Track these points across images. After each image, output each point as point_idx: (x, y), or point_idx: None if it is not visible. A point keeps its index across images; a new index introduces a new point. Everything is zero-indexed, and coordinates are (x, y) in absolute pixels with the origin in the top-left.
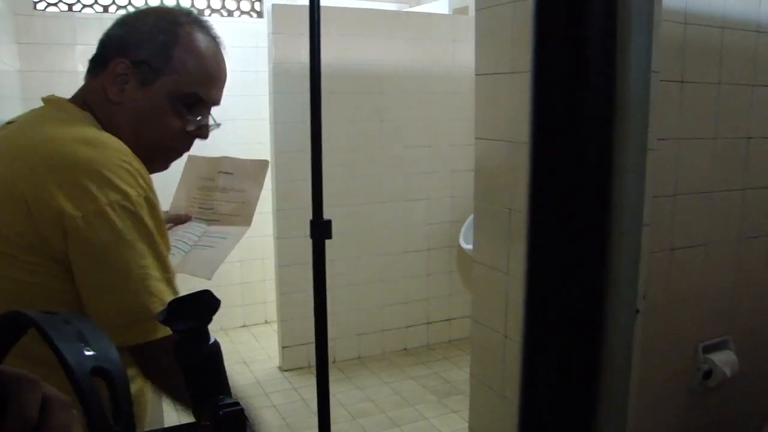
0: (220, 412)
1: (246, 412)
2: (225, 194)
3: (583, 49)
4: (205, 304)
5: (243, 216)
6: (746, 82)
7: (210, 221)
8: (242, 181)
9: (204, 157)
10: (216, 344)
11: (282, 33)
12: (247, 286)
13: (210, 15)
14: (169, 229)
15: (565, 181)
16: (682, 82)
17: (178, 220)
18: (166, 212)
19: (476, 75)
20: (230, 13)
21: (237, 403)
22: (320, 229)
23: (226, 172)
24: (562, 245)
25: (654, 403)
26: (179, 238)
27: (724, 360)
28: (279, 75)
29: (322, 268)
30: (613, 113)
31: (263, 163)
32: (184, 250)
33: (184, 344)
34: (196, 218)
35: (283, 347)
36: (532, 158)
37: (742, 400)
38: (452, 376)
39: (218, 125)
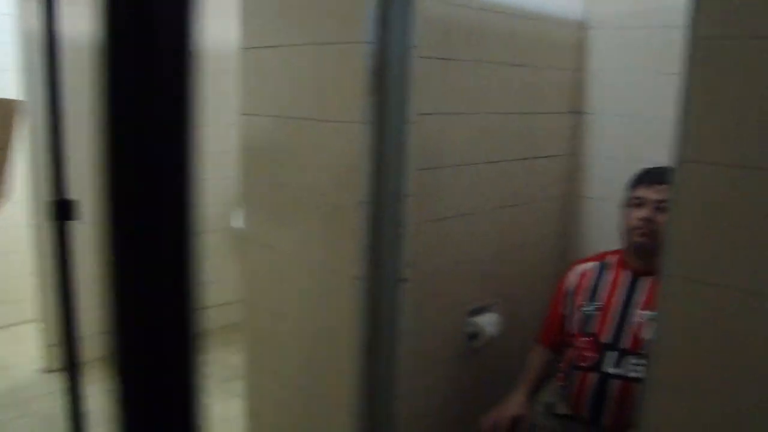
0: None
1: None
2: None
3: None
4: None
5: None
6: (503, 61)
7: None
8: None
9: None
10: None
11: None
12: (3, 283)
13: None
14: None
15: (138, 171)
16: (444, 59)
17: None
18: None
19: (241, 49)
20: None
21: None
22: (61, 210)
23: None
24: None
25: (425, 364)
26: None
27: (488, 322)
28: (31, 47)
29: (66, 255)
30: (188, 108)
31: (10, 105)
32: None
33: None
34: None
35: (48, 346)
36: (105, 149)
37: (504, 357)
38: (233, 360)
39: None
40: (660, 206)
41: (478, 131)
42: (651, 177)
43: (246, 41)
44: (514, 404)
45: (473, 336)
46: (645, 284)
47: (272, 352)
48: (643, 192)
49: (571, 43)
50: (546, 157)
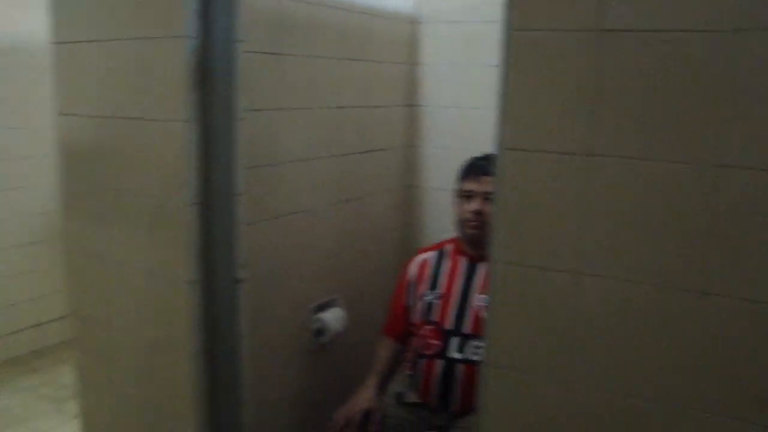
0: None
1: None
2: None
3: None
4: None
5: None
6: (336, 56)
7: None
8: None
9: None
10: None
11: None
12: None
13: None
14: None
15: None
16: (274, 54)
17: None
18: None
19: (53, 44)
20: None
21: None
22: None
23: None
24: None
25: (271, 365)
26: None
27: (334, 317)
28: None
29: None
30: None
31: None
32: None
33: None
34: None
35: None
36: None
37: (353, 351)
38: (70, 379)
39: None
40: (488, 197)
41: (313, 126)
42: (477, 169)
43: (58, 35)
44: (364, 398)
45: (320, 332)
46: (481, 269)
47: (106, 367)
48: (471, 185)
49: (404, 38)
50: (383, 149)
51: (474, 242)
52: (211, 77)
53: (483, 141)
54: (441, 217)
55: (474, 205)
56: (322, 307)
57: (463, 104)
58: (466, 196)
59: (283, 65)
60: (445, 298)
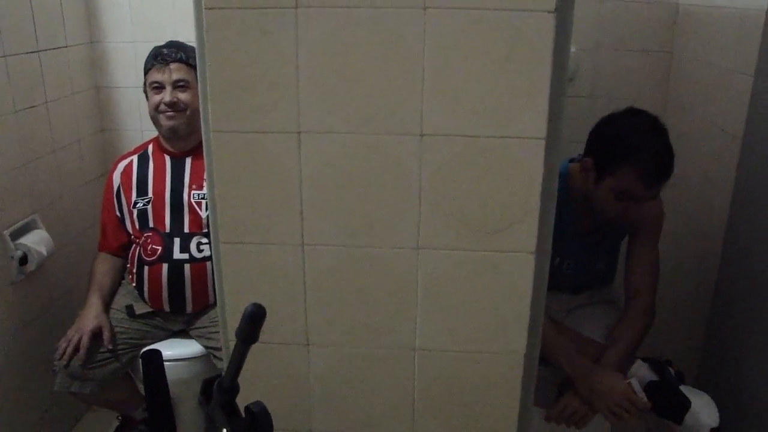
0: None
1: None
2: None
3: None
4: None
5: None
6: None
7: None
8: None
9: None
10: None
11: None
12: None
13: None
14: None
15: None
16: None
17: None
18: None
19: None
20: None
21: None
22: None
23: None
24: None
25: None
26: None
27: (37, 240)
28: None
29: None
30: None
31: None
32: None
33: None
34: None
35: None
36: None
37: (66, 270)
38: None
39: None
40: (178, 85)
41: None
42: (162, 57)
43: None
44: (90, 318)
45: (23, 260)
46: (188, 163)
47: None
48: (157, 75)
49: None
50: (61, 47)
51: (173, 134)
52: None
53: (167, 31)
54: (139, 118)
55: (165, 95)
56: (21, 232)
57: None
58: (155, 87)
59: None
60: (157, 201)
